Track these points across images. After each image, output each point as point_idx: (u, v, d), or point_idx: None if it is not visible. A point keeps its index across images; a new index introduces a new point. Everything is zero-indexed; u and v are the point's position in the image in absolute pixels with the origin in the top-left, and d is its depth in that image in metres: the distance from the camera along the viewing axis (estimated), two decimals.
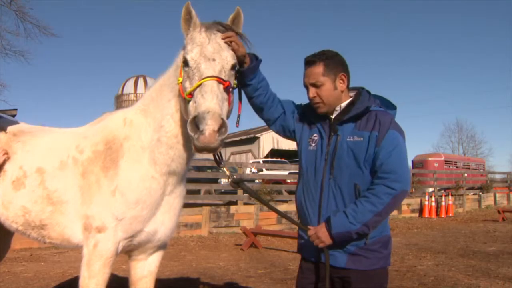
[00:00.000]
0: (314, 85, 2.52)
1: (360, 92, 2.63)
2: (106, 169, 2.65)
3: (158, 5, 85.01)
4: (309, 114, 2.70)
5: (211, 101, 2.14)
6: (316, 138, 2.64)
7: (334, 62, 2.54)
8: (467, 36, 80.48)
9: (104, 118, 2.99)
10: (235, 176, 2.65)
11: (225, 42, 2.40)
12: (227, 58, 2.36)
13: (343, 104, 2.58)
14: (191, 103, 2.23)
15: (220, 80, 2.25)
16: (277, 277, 6.70)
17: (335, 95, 2.55)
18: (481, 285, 6.26)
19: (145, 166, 2.63)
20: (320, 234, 2.42)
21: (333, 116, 2.60)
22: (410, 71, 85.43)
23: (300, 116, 2.78)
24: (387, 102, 2.67)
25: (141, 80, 21.66)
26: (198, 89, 2.21)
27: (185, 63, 2.34)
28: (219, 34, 2.39)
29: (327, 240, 2.41)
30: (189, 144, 2.56)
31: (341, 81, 2.55)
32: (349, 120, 2.52)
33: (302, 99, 2.79)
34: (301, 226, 2.61)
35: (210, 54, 2.32)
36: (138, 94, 20.72)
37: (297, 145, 2.78)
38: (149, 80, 21.23)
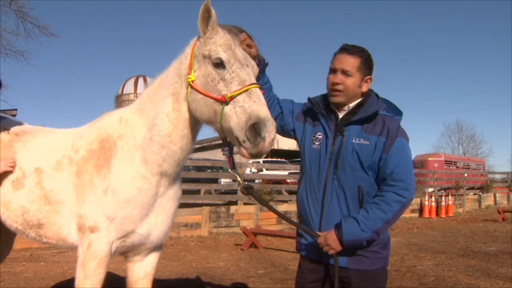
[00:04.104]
0: (344, 72, 2.50)
1: (369, 94, 2.63)
2: (99, 168, 2.63)
3: (158, 5, 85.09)
4: (313, 112, 2.69)
5: (267, 109, 2.15)
6: (320, 136, 2.62)
7: (368, 63, 2.56)
8: (467, 36, 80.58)
9: (103, 117, 2.98)
10: (246, 183, 2.58)
11: (243, 43, 2.39)
12: (254, 66, 2.38)
13: (352, 105, 2.59)
14: (230, 107, 2.17)
15: (259, 87, 2.26)
16: (277, 277, 6.69)
17: (356, 92, 2.57)
18: (481, 285, 6.26)
19: (136, 165, 2.59)
20: (330, 242, 2.41)
21: (340, 116, 2.59)
22: (410, 71, 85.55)
23: (300, 114, 2.77)
24: (393, 107, 2.68)
25: (141, 80, 21.67)
26: (245, 95, 2.16)
27: (218, 64, 2.27)
28: (238, 39, 2.37)
29: (337, 247, 2.40)
30: (185, 145, 2.54)
31: (365, 83, 2.58)
32: (356, 122, 2.52)
33: (302, 98, 2.79)
34: (310, 233, 2.56)
35: (242, 59, 2.30)
36: (138, 94, 20.70)
37: (299, 143, 2.76)
38: (149, 80, 21.20)
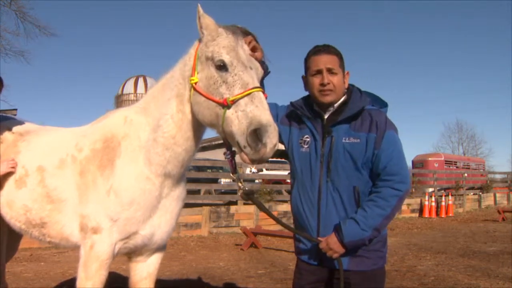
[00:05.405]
0: (330, 72, 2.48)
1: (351, 90, 2.60)
2: (103, 168, 2.61)
3: (158, 5, 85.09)
4: (297, 114, 2.64)
5: (269, 114, 2.11)
6: (308, 139, 2.58)
7: (343, 58, 2.56)
8: (467, 36, 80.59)
9: (107, 116, 2.97)
10: (246, 188, 2.52)
11: (249, 47, 2.33)
12: (258, 68, 2.33)
13: (336, 104, 2.55)
14: (231, 110, 2.12)
15: (263, 91, 2.22)
16: (277, 277, 6.70)
17: (343, 88, 2.55)
18: (481, 285, 6.26)
19: (140, 166, 2.57)
20: (332, 245, 2.39)
21: (326, 116, 2.56)
22: (410, 71, 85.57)
23: (284, 118, 2.73)
24: (377, 99, 2.64)
25: (141, 80, 21.64)
26: (247, 99, 2.12)
27: (220, 67, 2.22)
28: (242, 40, 2.33)
29: (340, 250, 2.39)
30: (189, 147, 2.52)
31: (346, 79, 2.57)
32: (343, 121, 2.49)
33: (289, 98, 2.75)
34: (311, 239, 2.53)
35: (246, 61, 2.25)
36: (138, 94, 20.70)
37: (286, 147, 2.71)
38: (149, 80, 21.22)
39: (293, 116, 2.70)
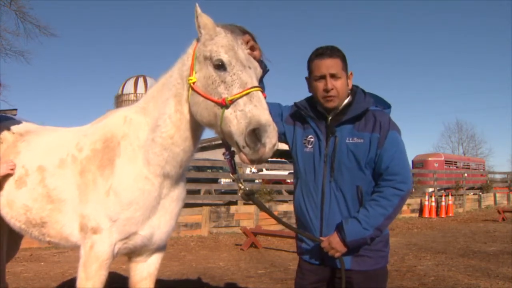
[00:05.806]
0: (334, 77, 2.46)
1: (355, 91, 2.60)
2: (103, 168, 2.60)
3: (158, 4, 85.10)
4: (301, 114, 2.64)
5: (268, 114, 2.09)
6: (312, 139, 2.58)
7: (346, 59, 2.54)
8: (467, 36, 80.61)
9: (107, 116, 2.97)
10: (247, 188, 2.51)
11: (247, 46, 2.31)
12: (257, 68, 2.31)
13: (340, 106, 2.55)
14: (230, 110, 2.11)
15: (262, 91, 2.20)
16: (277, 277, 6.70)
17: (346, 91, 2.54)
18: (481, 285, 6.26)
19: (139, 166, 2.56)
20: (334, 244, 2.39)
21: (330, 117, 2.55)
22: (410, 71, 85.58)
23: (289, 118, 2.72)
24: (381, 101, 2.65)
25: (141, 80, 21.68)
26: (246, 98, 2.10)
27: (219, 66, 2.20)
28: (240, 39, 2.31)
29: (342, 249, 2.39)
30: (188, 147, 2.51)
31: (349, 80, 2.56)
32: (347, 121, 2.49)
33: (293, 98, 2.74)
34: (313, 238, 2.53)
35: (244, 61, 2.23)
36: (138, 94, 20.74)
37: (290, 147, 2.71)
38: (149, 80, 21.25)
39: (297, 116, 2.69)
